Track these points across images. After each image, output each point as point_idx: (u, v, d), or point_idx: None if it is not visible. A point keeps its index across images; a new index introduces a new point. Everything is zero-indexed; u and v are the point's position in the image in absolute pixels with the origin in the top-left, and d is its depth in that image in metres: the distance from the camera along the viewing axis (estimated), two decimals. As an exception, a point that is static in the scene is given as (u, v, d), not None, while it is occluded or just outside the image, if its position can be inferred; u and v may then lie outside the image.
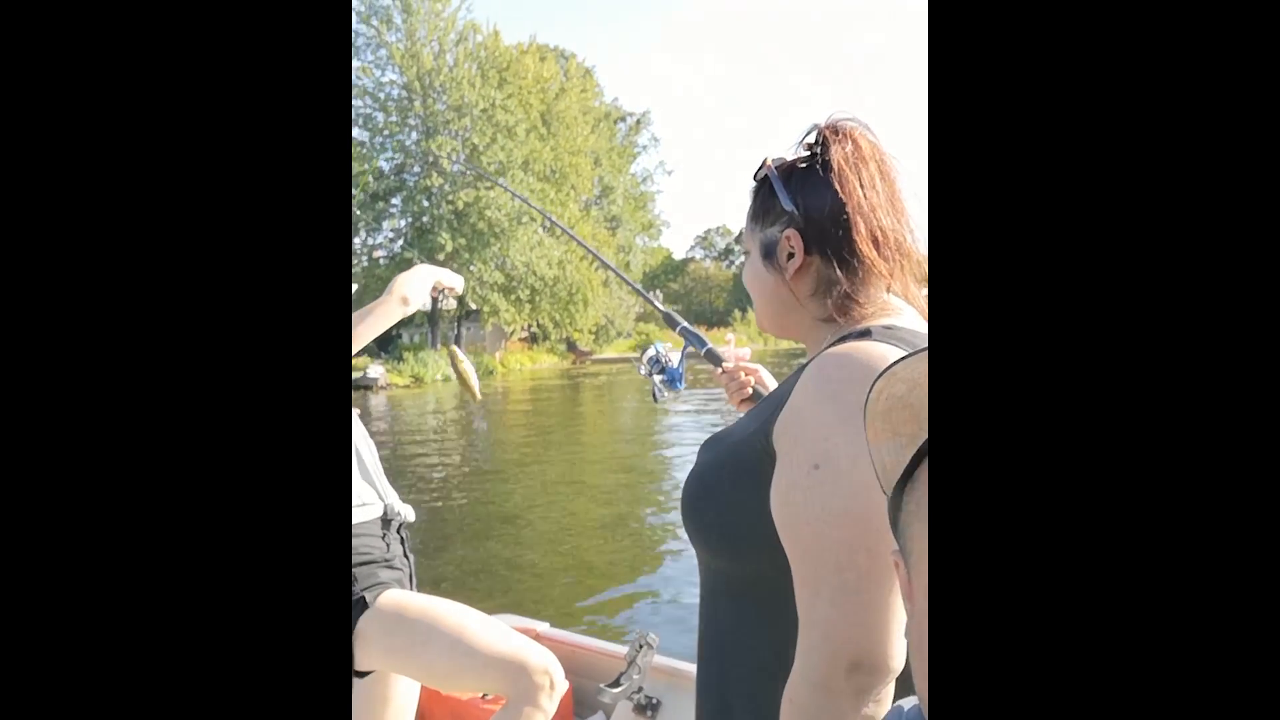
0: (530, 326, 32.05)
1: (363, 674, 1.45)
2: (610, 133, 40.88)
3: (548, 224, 29.56)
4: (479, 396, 1.90)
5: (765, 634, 0.73)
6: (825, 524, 0.62)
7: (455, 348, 1.83)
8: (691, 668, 1.66)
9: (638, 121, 45.54)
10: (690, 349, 1.40)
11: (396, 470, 8.14)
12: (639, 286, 1.66)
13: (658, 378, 1.42)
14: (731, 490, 0.73)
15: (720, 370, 1.28)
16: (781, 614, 0.68)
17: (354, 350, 1.57)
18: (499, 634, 1.40)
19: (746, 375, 1.24)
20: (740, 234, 0.88)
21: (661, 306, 1.48)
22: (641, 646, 1.63)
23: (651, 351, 1.45)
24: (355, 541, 1.45)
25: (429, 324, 30.14)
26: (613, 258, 35.70)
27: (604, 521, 5.80)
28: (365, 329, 1.56)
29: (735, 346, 1.28)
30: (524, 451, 9.22)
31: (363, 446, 1.57)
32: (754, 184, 0.82)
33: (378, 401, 18.42)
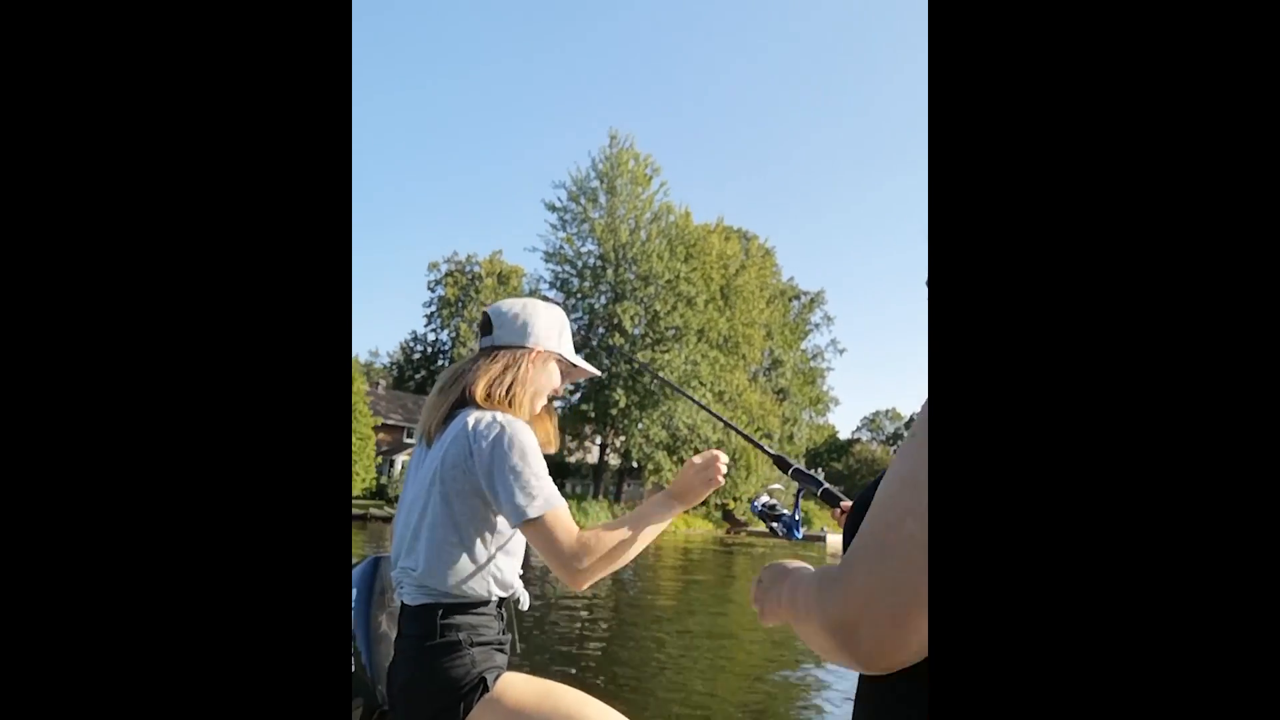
0: (689, 489, 32.10)
1: None
2: (784, 309, 42.06)
3: (716, 390, 30.29)
4: None
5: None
6: None
7: None
8: None
9: (811, 300, 46.57)
10: (804, 490, 1.33)
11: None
12: (743, 430, 1.57)
13: (775, 524, 1.36)
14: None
15: (838, 510, 1.24)
16: None
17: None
18: None
19: None
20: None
21: (770, 450, 1.43)
22: None
23: (764, 499, 1.37)
24: (474, 618, 1.35)
25: (594, 476, 31.13)
26: (777, 428, 35.65)
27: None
28: (652, 533, 1.38)
29: None
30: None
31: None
32: None
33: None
